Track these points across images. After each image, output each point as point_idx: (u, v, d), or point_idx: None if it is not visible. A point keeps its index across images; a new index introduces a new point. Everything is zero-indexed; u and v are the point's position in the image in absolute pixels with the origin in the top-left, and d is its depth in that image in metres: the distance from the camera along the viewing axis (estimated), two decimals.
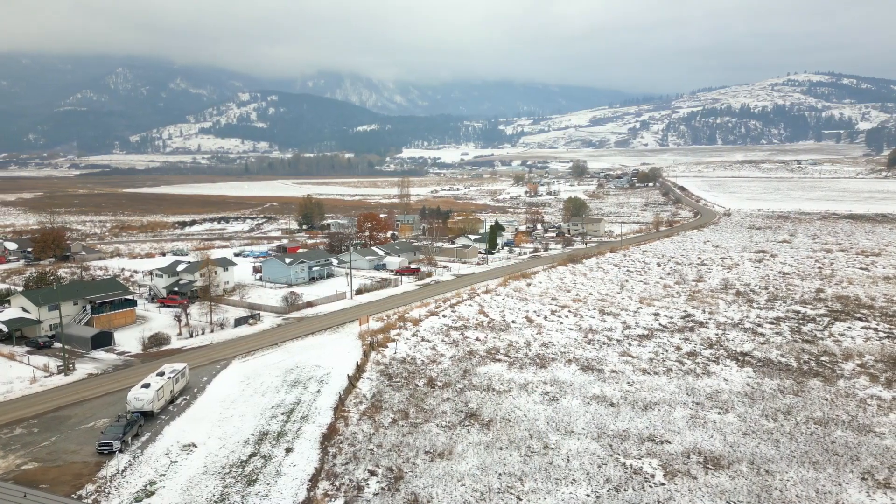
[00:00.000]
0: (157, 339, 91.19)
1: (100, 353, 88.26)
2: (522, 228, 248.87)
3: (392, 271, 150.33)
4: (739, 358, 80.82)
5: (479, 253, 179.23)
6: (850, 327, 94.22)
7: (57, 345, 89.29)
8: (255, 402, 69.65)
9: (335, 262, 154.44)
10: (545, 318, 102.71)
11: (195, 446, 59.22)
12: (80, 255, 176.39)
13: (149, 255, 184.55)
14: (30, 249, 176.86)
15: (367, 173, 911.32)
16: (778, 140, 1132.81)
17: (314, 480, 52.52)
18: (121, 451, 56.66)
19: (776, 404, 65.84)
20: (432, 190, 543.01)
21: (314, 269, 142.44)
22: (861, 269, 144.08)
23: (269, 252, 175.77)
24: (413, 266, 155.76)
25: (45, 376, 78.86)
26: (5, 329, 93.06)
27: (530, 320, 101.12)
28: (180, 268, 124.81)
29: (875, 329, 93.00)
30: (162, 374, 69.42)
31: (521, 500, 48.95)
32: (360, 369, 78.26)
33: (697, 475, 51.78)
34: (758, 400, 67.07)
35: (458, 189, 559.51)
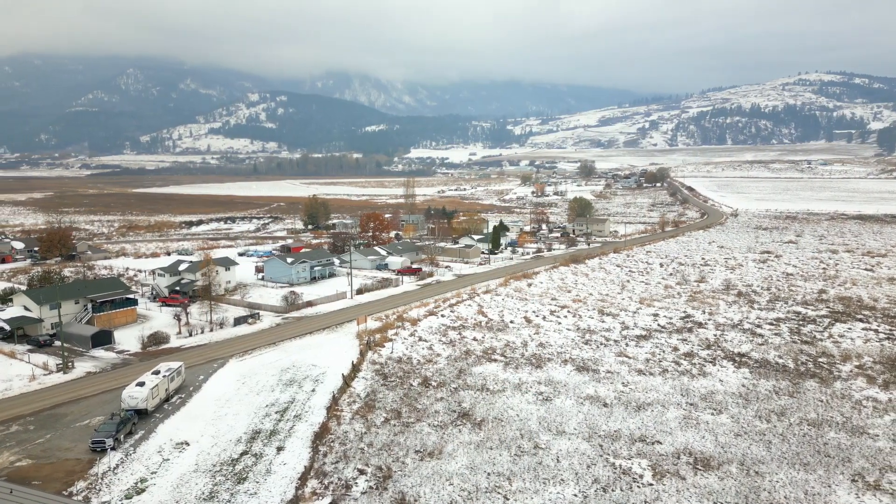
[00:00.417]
0: (157, 338, 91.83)
1: (99, 352, 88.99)
2: (527, 229, 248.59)
3: (394, 271, 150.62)
4: (736, 359, 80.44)
5: (482, 253, 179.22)
6: (850, 328, 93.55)
7: (57, 343, 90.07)
8: (249, 401, 70.02)
9: (337, 261, 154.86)
10: (544, 318, 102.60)
11: (188, 444, 59.63)
12: (85, 254, 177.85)
13: (154, 255, 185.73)
14: (36, 249, 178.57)
15: (375, 173, 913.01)
16: (789, 140, 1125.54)
17: (303, 479, 52.75)
18: (113, 448, 57.07)
19: (770, 405, 65.48)
20: (439, 190, 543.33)
21: (316, 268, 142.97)
22: (866, 269, 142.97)
23: (273, 252, 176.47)
24: (415, 266, 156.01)
25: (45, 374, 79.65)
26: (7, 327, 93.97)
27: (529, 320, 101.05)
28: (182, 267, 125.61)
29: (875, 330, 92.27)
30: (157, 372, 69.94)
31: (507, 499, 48.95)
32: (355, 369, 78.49)
33: (686, 476, 51.60)
34: (752, 401, 66.73)
35: (464, 189, 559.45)
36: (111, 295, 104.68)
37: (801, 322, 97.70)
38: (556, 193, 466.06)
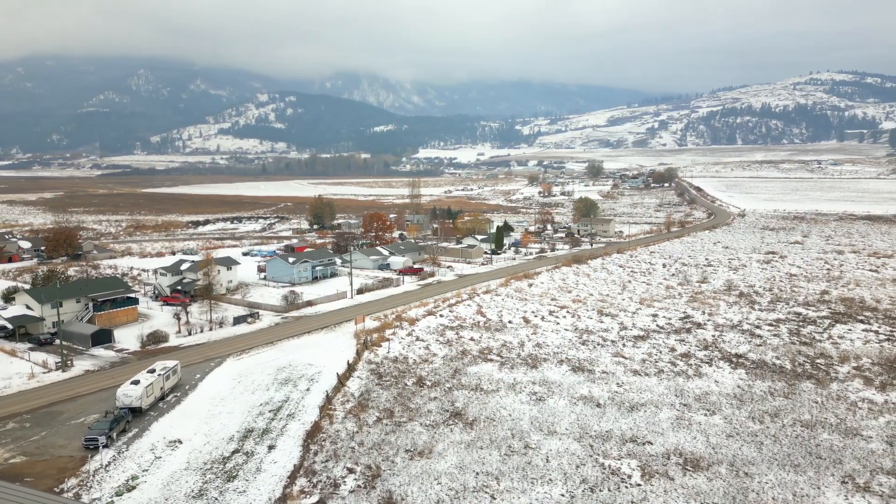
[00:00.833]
0: (156, 337, 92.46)
1: (99, 350, 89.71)
2: (532, 229, 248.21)
3: (395, 271, 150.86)
4: (733, 360, 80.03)
5: (485, 253, 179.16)
6: (850, 330, 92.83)
7: (58, 342, 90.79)
8: (244, 400, 70.38)
9: (339, 261, 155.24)
10: (542, 318, 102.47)
11: (180, 442, 60.02)
12: (91, 253, 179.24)
13: (159, 255, 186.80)
14: (43, 248, 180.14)
15: (383, 173, 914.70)
16: (800, 140, 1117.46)
17: (292, 477, 52.99)
18: (105, 446, 57.56)
19: (765, 406, 65.11)
20: (446, 190, 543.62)
21: (317, 268, 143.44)
22: (871, 270, 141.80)
23: (276, 252, 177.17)
24: (416, 266, 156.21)
25: (44, 372, 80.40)
26: (9, 326, 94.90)
27: (527, 321, 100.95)
28: (184, 267, 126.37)
29: (876, 332, 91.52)
30: (153, 371, 70.43)
31: (495, 498, 48.97)
32: (351, 368, 78.70)
33: (675, 476, 51.43)
34: (746, 402, 66.38)
35: (471, 189, 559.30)
36: (112, 294, 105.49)
37: (801, 323, 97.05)
38: (563, 193, 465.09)
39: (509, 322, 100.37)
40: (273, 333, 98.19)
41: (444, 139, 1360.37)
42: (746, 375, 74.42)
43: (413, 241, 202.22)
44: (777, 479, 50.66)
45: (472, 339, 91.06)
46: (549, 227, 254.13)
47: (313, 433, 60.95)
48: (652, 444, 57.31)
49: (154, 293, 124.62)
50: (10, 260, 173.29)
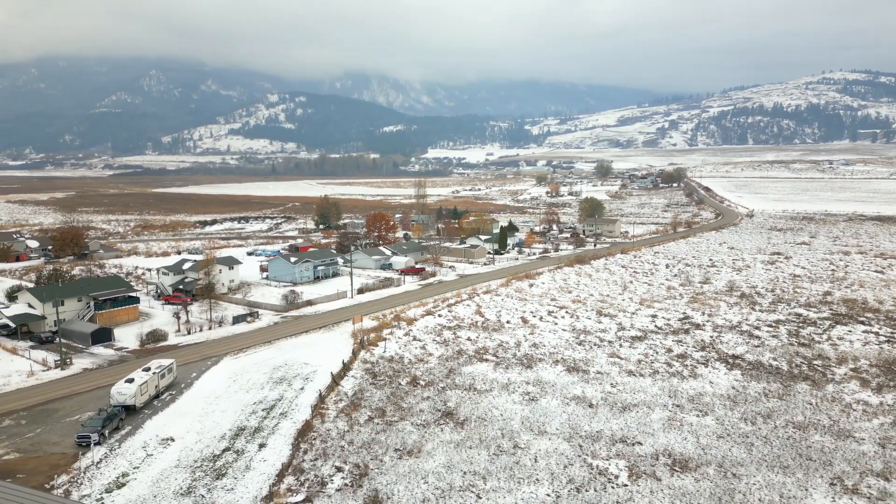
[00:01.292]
0: (155, 336, 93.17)
1: (98, 349, 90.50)
2: (538, 229, 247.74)
3: (397, 271, 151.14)
4: (730, 360, 79.61)
5: (488, 253, 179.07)
6: (850, 331, 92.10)
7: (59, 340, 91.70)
8: (238, 399, 70.78)
9: (341, 261, 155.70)
10: (540, 318, 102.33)
11: (172, 440, 60.47)
12: (97, 253, 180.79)
13: (165, 254, 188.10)
14: (50, 247, 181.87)
15: (392, 174, 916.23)
16: (812, 140, 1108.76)
17: (281, 475, 53.23)
18: (98, 443, 58.10)
19: (758, 408, 64.74)
20: (454, 190, 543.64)
21: (319, 268, 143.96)
22: (876, 271, 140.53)
23: (280, 251, 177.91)
24: (418, 266, 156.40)
25: (43, 370, 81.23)
26: (12, 324, 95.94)
27: (525, 321, 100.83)
28: (186, 266, 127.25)
29: (876, 333, 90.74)
30: (148, 369, 71.00)
31: (480, 498, 49.00)
32: (346, 367, 78.91)
33: (662, 477, 51.25)
34: (740, 403, 66.03)
35: (479, 189, 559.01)
36: (113, 293, 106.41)
37: (800, 324, 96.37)
38: (570, 194, 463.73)
39: (507, 322, 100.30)
40: (271, 333, 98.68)
41: (453, 139, 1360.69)
42: (742, 376, 74.02)
43: (417, 241, 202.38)
44: (765, 480, 50.39)
45: (468, 339, 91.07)
46: (554, 227, 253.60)
47: (304, 432, 61.18)
48: (642, 444, 57.14)
49: (156, 292, 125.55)
50: (17, 259, 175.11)
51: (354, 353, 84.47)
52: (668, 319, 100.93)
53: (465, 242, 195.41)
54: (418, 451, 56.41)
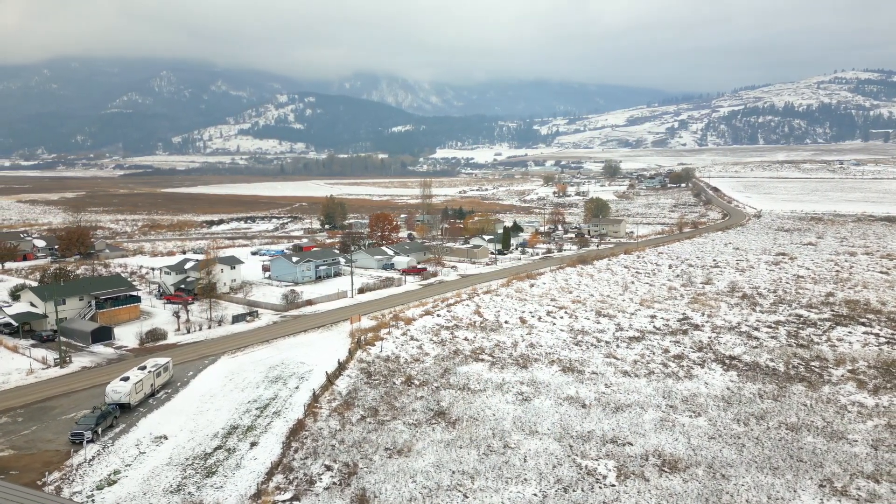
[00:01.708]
0: (154, 335, 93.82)
1: (98, 348, 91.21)
2: (543, 229, 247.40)
3: (399, 271, 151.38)
4: (726, 361, 79.20)
5: (491, 253, 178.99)
6: (850, 332, 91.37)
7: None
8: (233, 398, 71.14)
9: (343, 261, 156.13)
10: (539, 318, 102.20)
11: (166, 438, 60.88)
12: (103, 252, 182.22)
13: (170, 254, 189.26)
14: (57, 247, 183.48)
15: (400, 174, 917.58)
16: (823, 140, 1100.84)
17: (270, 474, 53.48)
18: (91, 441, 58.59)
19: (752, 409, 64.37)
20: (461, 190, 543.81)
21: (321, 267, 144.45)
22: (881, 272, 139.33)
23: (283, 251, 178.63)
24: (420, 266, 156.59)
25: (42, 368, 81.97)
26: (14, 323, 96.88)
27: (524, 321, 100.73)
28: (188, 265, 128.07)
29: (876, 334, 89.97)
30: (143, 368, 71.51)
31: (467, 497, 49.05)
32: (341, 367, 79.12)
33: (650, 477, 51.09)
34: (734, 404, 65.68)
35: (486, 189, 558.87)
36: (115, 292, 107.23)
37: (800, 325, 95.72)
38: (578, 194, 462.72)
39: (505, 322, 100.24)
40: (270, 332, 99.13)
41: (461, 139, 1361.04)
42: (737, 377, 73.62)
43: (420, 241, 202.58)
44: (753, 481, 50.12)
45: (465, 339, 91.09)
46: (559, 227, 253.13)
47: (296, 431, 61.41)
48: (632, 444, 56.97)
49: (159, 291, 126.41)
50: (24, 258, 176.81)
51: (351, 353, 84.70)
52: (668, 320, 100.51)
53: (468, 243, 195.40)
54: (408, 451, 56.50)
